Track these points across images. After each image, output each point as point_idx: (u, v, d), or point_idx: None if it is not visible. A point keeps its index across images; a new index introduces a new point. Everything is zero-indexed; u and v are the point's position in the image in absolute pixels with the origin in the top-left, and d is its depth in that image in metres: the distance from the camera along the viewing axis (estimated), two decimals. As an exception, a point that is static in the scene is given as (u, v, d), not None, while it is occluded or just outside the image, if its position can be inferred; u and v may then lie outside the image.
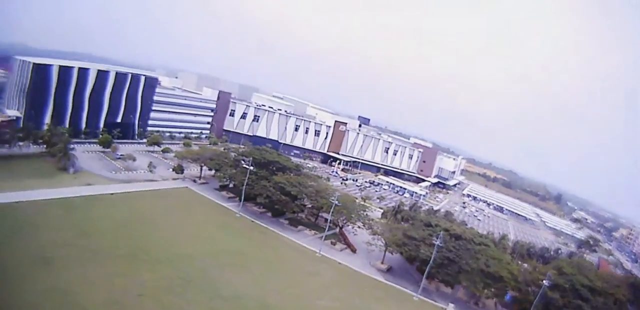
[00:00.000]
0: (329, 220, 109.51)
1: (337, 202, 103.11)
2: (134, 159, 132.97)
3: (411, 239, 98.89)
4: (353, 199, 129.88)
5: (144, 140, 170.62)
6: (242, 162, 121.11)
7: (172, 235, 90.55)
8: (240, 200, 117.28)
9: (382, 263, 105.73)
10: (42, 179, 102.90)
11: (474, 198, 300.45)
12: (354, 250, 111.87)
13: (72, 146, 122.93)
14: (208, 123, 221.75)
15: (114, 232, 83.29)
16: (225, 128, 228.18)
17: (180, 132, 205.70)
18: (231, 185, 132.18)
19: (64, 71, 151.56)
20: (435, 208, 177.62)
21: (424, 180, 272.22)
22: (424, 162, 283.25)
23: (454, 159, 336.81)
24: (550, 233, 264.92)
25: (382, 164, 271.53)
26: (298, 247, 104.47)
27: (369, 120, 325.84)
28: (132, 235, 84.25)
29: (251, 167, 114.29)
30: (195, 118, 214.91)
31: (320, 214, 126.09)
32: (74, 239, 75.40)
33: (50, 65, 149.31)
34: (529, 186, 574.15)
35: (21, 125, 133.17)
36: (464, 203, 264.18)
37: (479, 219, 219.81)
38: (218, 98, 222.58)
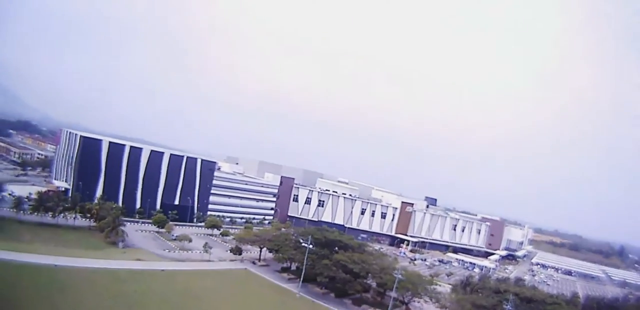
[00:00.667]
0: (392, 297, 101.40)
1: (401, 276, 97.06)
2: (190, 240, 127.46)
3: (481, 308, 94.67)
4: (419, 274, 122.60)
5: (202, 224, 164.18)
6: (301, 241, 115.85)
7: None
8: (301, 281, 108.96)
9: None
10: (88, 249, 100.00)
11: (543, 266, 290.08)
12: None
13: (123, 222, 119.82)
14: (271, 209, 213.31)
15: (160, 306, 77.04)
16: (289, 214, 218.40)
17: (242, 218, 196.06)
18: (293, 268, 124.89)
19: (115, 148, 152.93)
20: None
21: (493, 254, 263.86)
22: (492, 235, 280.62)
23: (521, 229, 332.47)
24: (616, 286, 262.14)
25: (450, 242, 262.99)
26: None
27: (435, 200, 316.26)
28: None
29: (310, 245, 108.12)
30: (258, 203, 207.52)
31: (386, 293, 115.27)
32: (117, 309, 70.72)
33: (100, 140, 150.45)
34: (594, 245, 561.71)
35: (69, 196, 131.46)
36: (532, 271, 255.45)
37: (548, 284, 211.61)
38: (281, 183, 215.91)
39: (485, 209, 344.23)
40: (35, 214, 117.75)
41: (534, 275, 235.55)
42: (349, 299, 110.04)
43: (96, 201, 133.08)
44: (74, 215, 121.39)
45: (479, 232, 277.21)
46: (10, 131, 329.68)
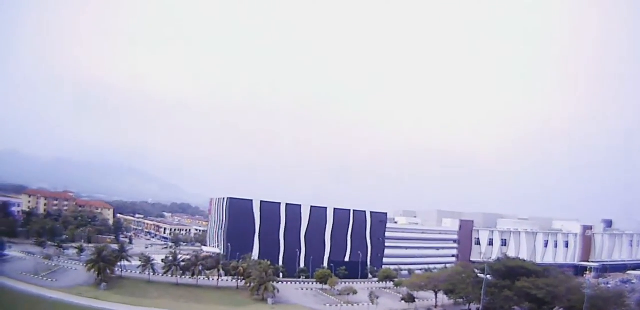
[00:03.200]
0: None
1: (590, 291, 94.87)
2: (355, 292, 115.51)
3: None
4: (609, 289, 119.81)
5: (376, 279, 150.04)
6: (478, 274, 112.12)
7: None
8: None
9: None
10: (228, 306, 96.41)
11: None
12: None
13: (274, 278, 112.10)
14: (452, 256, 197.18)
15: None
16: (472, 258, 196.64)
17: (421, 269, 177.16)
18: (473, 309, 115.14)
19: (269, 207, 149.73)
20: None
21: None
22: None
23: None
24: None
25: (628, 261, 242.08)
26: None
27: (611, 221, 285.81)
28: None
29: (488, 276, 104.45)
30: (438, 251, 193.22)
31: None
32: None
33: (250, 200, 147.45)
34: None
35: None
36: None
37: None
38: (460, 228, 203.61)
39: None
40: (170, 275, 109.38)
41: None
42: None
43: (242, 260, 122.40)
44: (217, 276, 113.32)
45: None
46: (164, 213, 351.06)
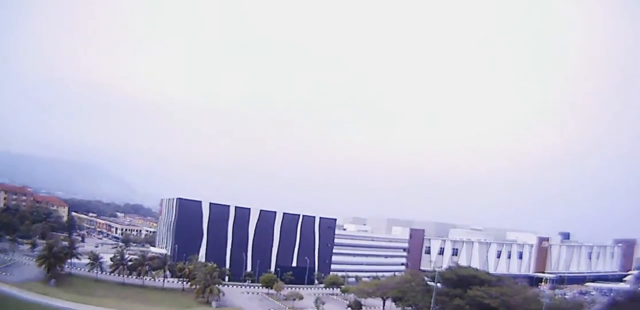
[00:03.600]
0: None
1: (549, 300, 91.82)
2: (301, 298, 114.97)
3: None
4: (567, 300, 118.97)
5: (323, 285, 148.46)
6: (428, 282, 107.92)
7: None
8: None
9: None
10: (171, 307, 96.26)
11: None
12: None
13: (220, 281, 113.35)
14: (402, 264, 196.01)
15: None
16: (422, 267, 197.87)
17: (369, 276, 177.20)
18: None
19: (218, 209, 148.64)
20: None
21: (627, 275, 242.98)
22: (624, 256, 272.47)
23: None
24: None
25: (587, 273, 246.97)
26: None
27: (569, 234, 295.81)
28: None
29: (438, 284, 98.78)
30: (387, 259, 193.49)
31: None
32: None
33: (199, 201, 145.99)
34: None
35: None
36: None
37: None
38: (410, 236, 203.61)
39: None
40: (118, 274, 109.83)
41: None
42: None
43: (189, 261, 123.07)
44: (163, 276, 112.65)
45: (612, 256, 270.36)
46: (117, 213, 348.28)
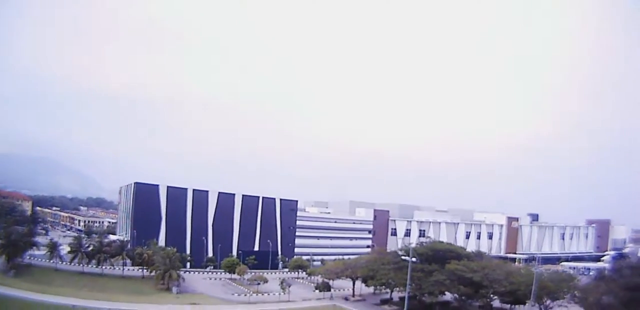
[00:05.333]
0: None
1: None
2: (265, 281, 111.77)
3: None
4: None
5: (287, 269, 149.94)
6: (403, 260, 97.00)
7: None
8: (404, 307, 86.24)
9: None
10: (129, 295, 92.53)
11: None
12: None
13: (179, 266, 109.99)
14: (367, 246, 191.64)
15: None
16: (389, 249, 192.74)
17: (334, 259, 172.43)
18: (396, 299, 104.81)
19: (176, 192, 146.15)
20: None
21: (604, 256, 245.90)
22: (599, 236, 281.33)
23: (623, 225, 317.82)
24: None
25: (560, 253, 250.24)
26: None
27: (537, 215, 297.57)
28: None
29: (413, 259, 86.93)
30: (352, 242, 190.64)
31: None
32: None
33: (156, 185, 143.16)
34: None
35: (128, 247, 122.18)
36: None
37: None
38: (375, 218, 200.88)
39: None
40: (77, 263, 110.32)
41: None
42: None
43: (148, 246, 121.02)
44: (122, 264, 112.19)
45: (586, 236, 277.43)
46: (80, 206, 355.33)
